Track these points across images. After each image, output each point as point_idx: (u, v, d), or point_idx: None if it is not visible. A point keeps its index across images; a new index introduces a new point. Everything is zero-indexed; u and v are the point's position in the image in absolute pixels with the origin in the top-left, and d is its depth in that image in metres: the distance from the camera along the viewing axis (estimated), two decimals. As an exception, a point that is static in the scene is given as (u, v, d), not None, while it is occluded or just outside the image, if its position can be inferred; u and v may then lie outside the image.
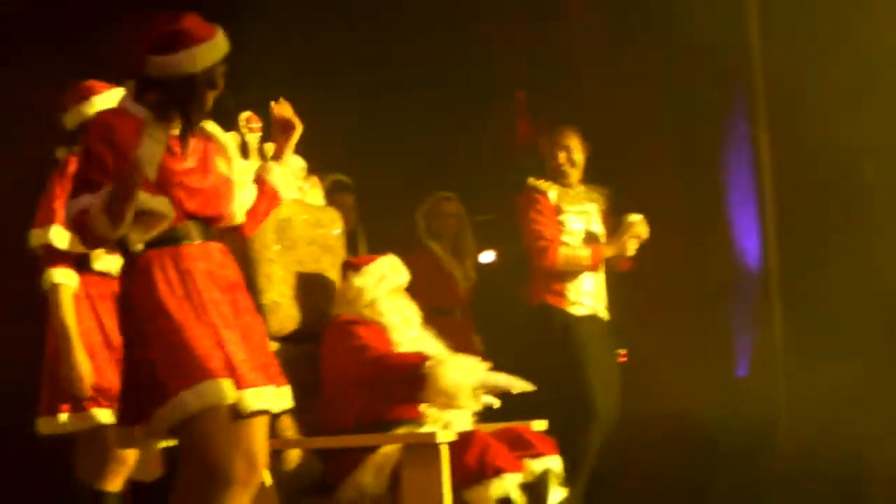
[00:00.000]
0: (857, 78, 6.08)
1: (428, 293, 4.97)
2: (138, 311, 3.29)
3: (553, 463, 4.07)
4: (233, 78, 3.45)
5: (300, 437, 4.11)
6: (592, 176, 5.71)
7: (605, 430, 5.42)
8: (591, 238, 5.59)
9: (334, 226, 4.63)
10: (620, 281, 5.69)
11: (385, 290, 4.26)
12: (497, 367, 4.14)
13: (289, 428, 4.09)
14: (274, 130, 3.70)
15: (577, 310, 5.51)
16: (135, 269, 3.32)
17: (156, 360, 3.23)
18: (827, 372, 5.78)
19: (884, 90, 6.07)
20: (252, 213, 3.61)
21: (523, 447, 4.03)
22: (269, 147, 4.31)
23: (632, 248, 5.51)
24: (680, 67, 6.51)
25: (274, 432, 3.99)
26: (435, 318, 4.64)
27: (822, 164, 6.19)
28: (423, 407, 4.07)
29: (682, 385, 6.09)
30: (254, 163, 4.27)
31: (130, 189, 3.12)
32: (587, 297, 5.53)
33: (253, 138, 4.34)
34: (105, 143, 3.25)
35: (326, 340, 4.22)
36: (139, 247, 3.31)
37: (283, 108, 3.67)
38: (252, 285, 4.12)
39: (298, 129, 3.69)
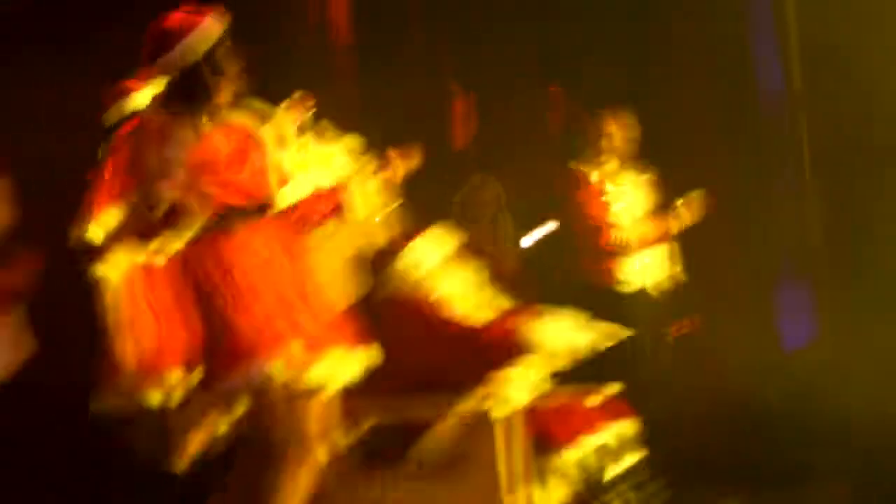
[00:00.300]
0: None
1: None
2: (201, 289, 3.34)
3: (624, 427, 4.11)
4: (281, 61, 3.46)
5: (365, 404, 4.06)
6: (641, 153, 5.74)
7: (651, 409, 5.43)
8: (635, 217, 5.62)
9: (384, 206, 4.63)
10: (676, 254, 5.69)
11: (435, 262, 4.29)
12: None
13: (354, 395, 4.09)
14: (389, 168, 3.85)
15: (625, 287, 5.55)
16: (186, 258, 3.38)
17: (219, 334, 3.28)
18: (879, 342, 5.74)
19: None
20: (307, 212, 3.64)
21: (596, 412, 4.09)
22: (324, 125, 4.33)
23: (674, 228, 5.54)
24: (714, 40, 6.49)
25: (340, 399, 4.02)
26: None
27: (863, 130, 6.15)
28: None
29: (734, 358, 6.07)
30: (306, 141, 4.29)
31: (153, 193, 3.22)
32: (635, 273, 5.57)
33: (303, 119, 4.36)
34: (125, 157, 3.32)
35: (392, 318, 4.20)
36: (186, 237, 3.36)
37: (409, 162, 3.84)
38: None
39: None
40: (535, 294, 6.00)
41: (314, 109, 4.26)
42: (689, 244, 5.71)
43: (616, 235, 5.51)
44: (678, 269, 5.71)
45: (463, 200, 6.18)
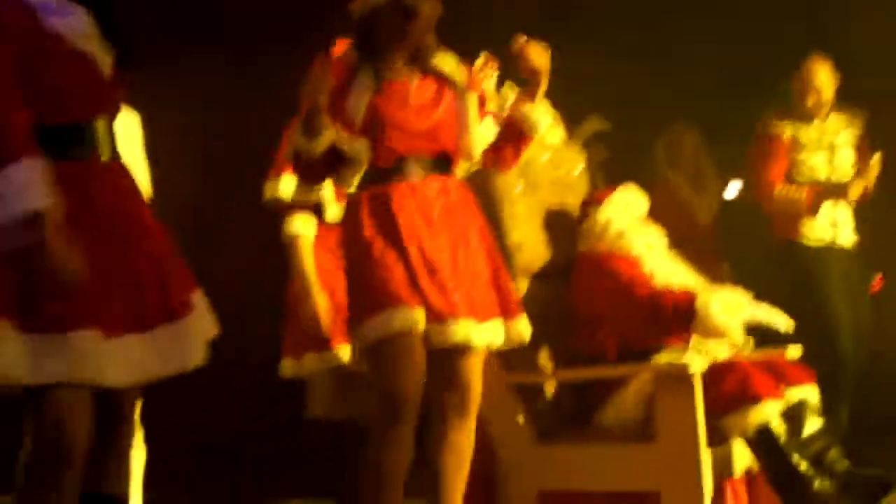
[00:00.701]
0: None
1: (666, 224, 4.93)
2: (345, 247, 3.45)
3: (809, 392, 4.03)
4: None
5: (553, 368, 4.18)
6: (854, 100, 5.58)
7: (854, 366, 5.34)
8: (831, 173, 5.49)
9: (576, 164, 4.66)
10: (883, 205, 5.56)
11: (629, 219, 4.31)
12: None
13: (543, 359, 4.16)
14: (524, 72, 3.58)
15: (814, 242, 5.46)
16: (347, 209, 3.47)
17: (351, 292, 3.40)
18: None
19: None
20: (499, 151, 3.61)
21: (780, 376, 4.01)
22: (508, 89, 4.35)
23: (855, 192, 5.40)
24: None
25: (529, 365, 4.11)
26: (676, 249, 4.62)
27: None
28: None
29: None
30: (490, 107, 4.33)
31: (315, 120, 3.27)
32: (824, 228, 5.47)
33: (489, 83, 4.40)
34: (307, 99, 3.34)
35: (583, 277, 4.25)
36: (352, 187, 3.45)
37: (536, 54, 3.53)
38: (497, 225, 4.19)
39: (546, 75, 3.58)
40: (726, 247, 5.99)
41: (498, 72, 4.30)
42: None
43: (782, 198, 5.42)
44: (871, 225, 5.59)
45: (665, 146, 6.14)
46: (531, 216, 4.38)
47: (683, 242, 5.59)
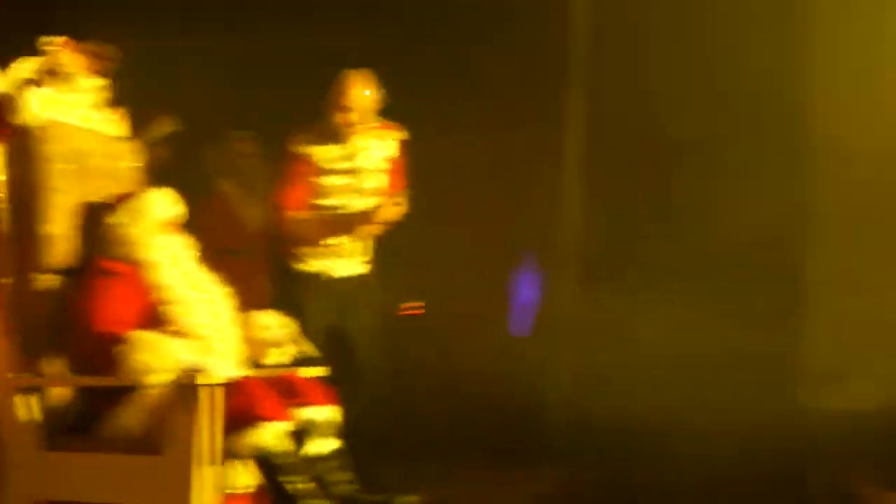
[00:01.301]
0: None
1: (215, 233, 4.95)
2: None
3: (322, 413, 4.11)
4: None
5: (65, 372, 4.07)
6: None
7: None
8: (356, 198, 5.36)
9: (128, 159, 4.59)
10: (404, 236, 5.59)
11: (146, 225, 4.13)
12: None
13: (53, 364, 4.07)
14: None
15: (303, 266, 5.38)
16: None
17: None
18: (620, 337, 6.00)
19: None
20: None
21: (293, 396, 4.06)
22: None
23: (363, 234, 5.34)
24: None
25: (36, 368, 4.00)
26: (221, 258, 4.66)
27: (633, 124, 6.32)
28: None
29: (461, 343, 6.24)
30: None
31: None
32: (318, 255, 5.36)
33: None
34: None
35: (84, 282, 4.10)
36: None
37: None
38: (40, 214, 4.10)
39: None
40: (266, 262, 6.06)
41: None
42: (430, 226, 5.71)
43: (295, 223, 5.32)
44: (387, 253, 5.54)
45: (217, 154, 6.16)
46: (76, 209, 4.24)
47: (231, 251, 5.70)
